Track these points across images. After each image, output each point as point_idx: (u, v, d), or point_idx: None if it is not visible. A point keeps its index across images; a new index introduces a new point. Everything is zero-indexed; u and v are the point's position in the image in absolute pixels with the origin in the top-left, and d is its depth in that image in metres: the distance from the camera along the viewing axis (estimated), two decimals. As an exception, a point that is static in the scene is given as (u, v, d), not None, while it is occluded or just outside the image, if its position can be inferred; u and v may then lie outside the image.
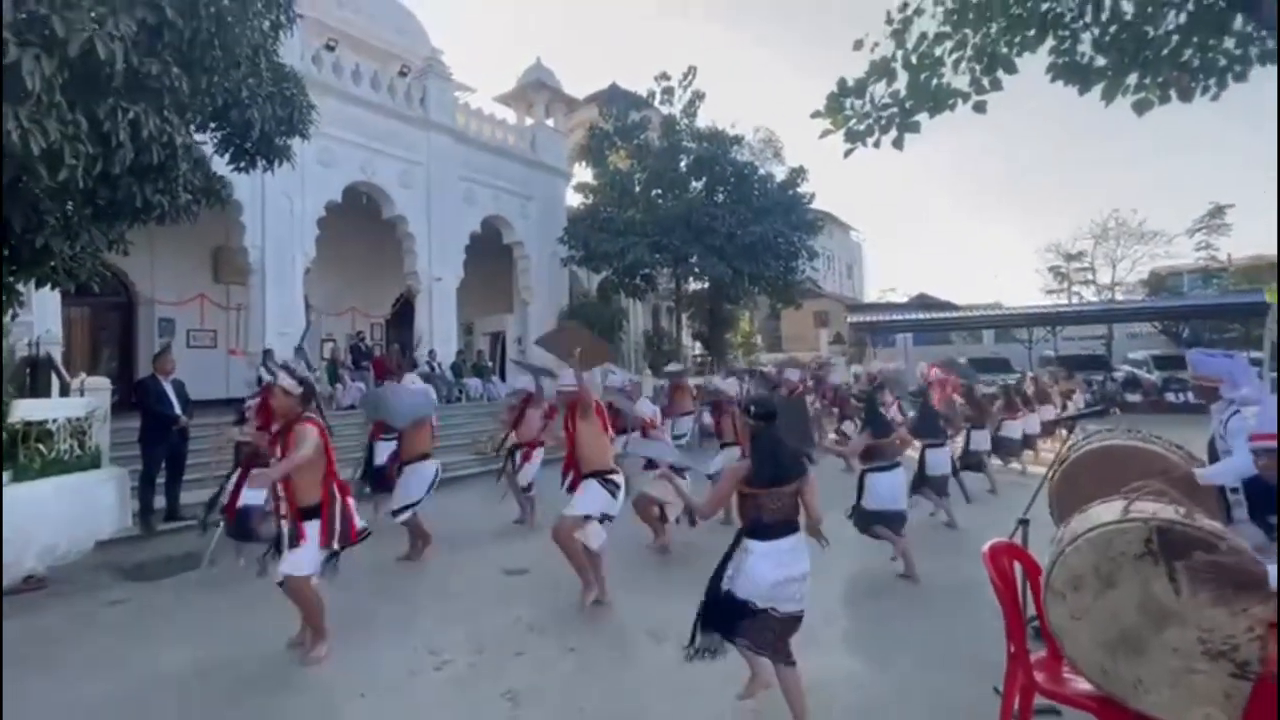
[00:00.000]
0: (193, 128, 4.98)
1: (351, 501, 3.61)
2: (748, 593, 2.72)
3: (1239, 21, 4.78)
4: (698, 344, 21.92)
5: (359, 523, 3.61)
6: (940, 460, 6.19)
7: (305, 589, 3.44)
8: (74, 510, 5.52)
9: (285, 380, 3.53)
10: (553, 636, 3.83)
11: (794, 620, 2.76)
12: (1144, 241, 33.25)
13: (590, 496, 4.18)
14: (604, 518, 4.25)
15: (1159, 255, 32.86)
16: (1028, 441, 9.57)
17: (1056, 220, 69.63)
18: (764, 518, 2.73)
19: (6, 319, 5.25)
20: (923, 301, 32.83)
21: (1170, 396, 17.35)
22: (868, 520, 4.91)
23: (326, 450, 3.51)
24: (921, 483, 6.12)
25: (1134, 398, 18.23)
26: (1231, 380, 3.45)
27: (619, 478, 4.29)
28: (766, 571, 2.67)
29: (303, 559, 3.42)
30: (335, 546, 3.48)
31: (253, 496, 4.74)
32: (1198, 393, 3.83)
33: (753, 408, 2.86)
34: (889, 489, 4.87)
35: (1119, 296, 32.78)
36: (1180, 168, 54.56)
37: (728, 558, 2.84)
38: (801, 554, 2.74)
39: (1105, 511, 2.14)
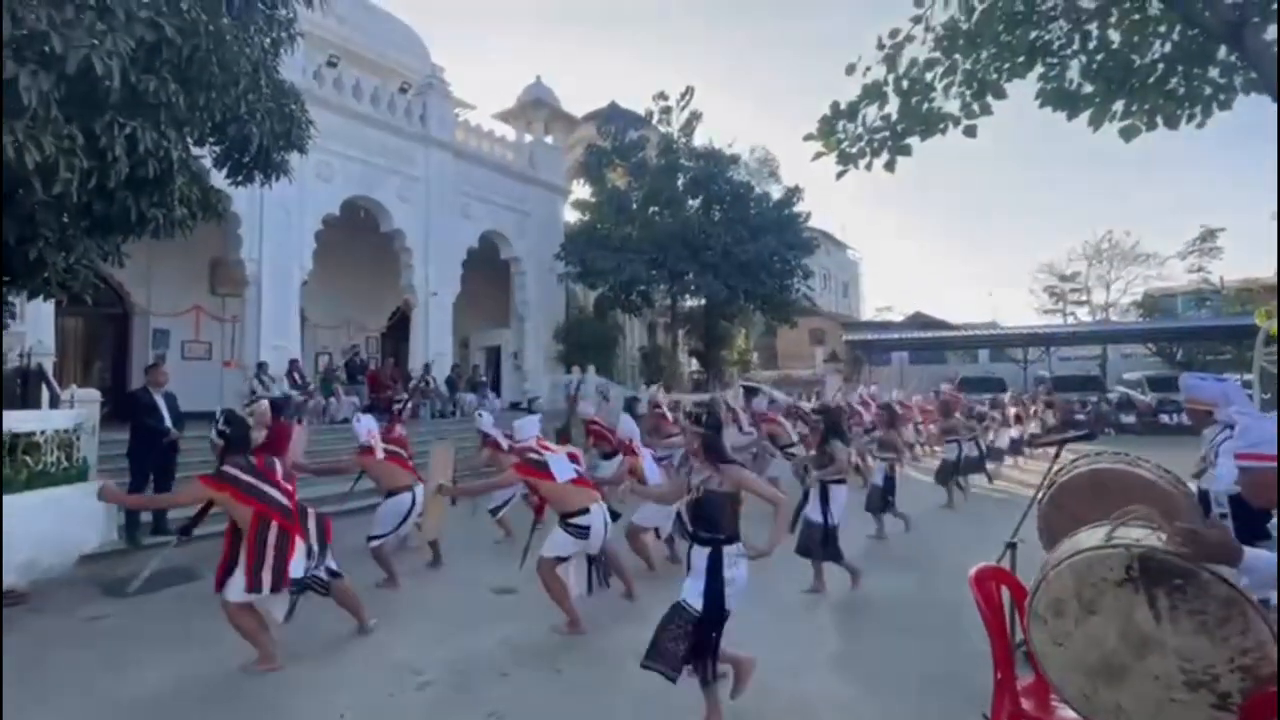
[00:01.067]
0: (190, 142, 5.01)
1: (298, 547, 3.53)
2: (734, 603, 2.85)
3: (1223, 52, 4.87)
4: (694, 360, 21.95)
5: (295, 572, 3.52)
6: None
7: (235, 615, 3.47)
8: (58, 524, 5.42)
9: (212, 433, 3.68)
10: (539, 658, 3.78)
11: None
12: (1137, 263, 33.59)
13: (555, 541, 4.17)
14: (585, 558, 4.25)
15: (1152, 277, 33.19)
16: (994, 454, 10.01)
17: (1054, 238, 70.34)
18: (737, 519, 2.92)
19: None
20: (919, 320, 32.98)
21: (1165, 418, 17.36)
22: (825, 537, 4.82)
23: (241, 500, 3.48)
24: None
25: (1128, 419, 18.25)
26: (1226, 404, 3.45)
27: (587, 518, 4.15)
28: (746, 569, 2.88)
29: (236, 584, 3.45)
30: (263, 591, 3.44)
31: None
32: (1190, 416, 3.82)
33: (702, 417, 3.12)
34: (844, 503, 4.96)
35: (1113, 317, 33.01)
36: (1173, 190, 55.26)
37: (718, 576, 2.82)
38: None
39: (1089, 537, 2.13)
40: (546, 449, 4.43)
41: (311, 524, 3.71)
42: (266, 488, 3.56)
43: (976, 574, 2.49)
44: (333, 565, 3.90)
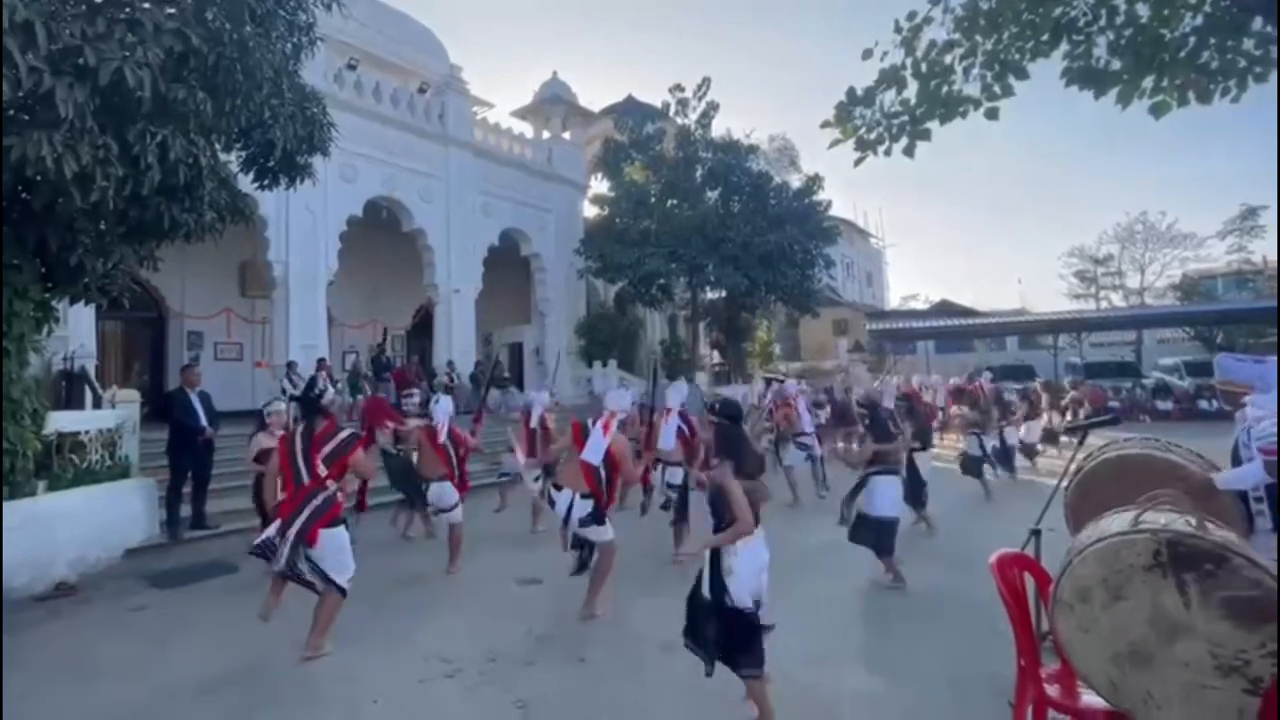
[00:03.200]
0: (218, 148, 5.15)
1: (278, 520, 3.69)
2: (750, 591, 2.83)
3: (1258, 23, 4.69)
4: (715, 353, 21.88)
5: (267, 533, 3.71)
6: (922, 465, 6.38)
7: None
8: (104, 519, 5.69)
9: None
10: (564, 646, 3.84)
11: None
12: (1174, 244, 32.53)
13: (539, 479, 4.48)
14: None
15: (1190, 258, 32.12)
16: (1025, 449, 9.70)
17: (1084, 223, 68.33)
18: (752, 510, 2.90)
19: (42, 334, 5.45)
20: (945, 308, 32.37)
21: (1203, 404, 16.81)
22: (870, 529, 4.83)
23: (282, 461, 3.79)
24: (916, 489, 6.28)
25: (1165, 405, 17.72)
26: (1263, 386, 3.36)
27: (561, 495, 4.31)
28: (753, 561, 2.86)
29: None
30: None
31: None
32: (1225, 398, 3.72)
33: (718, 406, 3.16)
34: (892, 495, 4.90)
35: (1149, 301, 32.04)
36: (1211, 168, 53.29)
37: (716, 564, 2.87)
38: (764, 542, 2.95)
39: (1114, 522, 2.11)
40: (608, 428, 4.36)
41: (304, 515, 3.62)
42: (300, 460, 3.72)
43: (998, 560, 2.47)
44: (313, 579, 3.70)
